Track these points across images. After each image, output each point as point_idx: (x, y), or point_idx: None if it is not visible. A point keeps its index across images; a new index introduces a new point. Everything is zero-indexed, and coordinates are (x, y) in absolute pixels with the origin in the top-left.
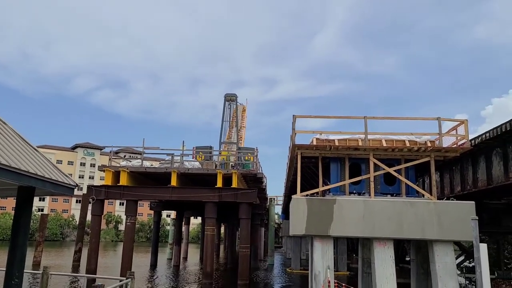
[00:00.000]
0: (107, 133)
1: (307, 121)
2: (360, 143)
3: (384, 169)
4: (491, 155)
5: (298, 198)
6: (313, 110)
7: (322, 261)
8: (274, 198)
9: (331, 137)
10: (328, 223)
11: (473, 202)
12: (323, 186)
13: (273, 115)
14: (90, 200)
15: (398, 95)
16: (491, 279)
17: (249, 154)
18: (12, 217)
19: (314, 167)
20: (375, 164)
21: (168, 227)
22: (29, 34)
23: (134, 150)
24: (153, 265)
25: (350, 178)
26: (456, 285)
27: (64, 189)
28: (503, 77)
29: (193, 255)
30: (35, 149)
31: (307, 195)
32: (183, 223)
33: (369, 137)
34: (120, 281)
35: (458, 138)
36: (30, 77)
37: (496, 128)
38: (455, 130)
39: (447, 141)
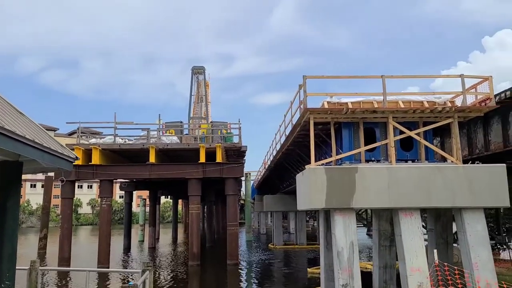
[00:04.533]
0: (59, 114)
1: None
2: (376, 105)
3: (404, 132)
4: (508, 115)
5: (316, 168)
6: (273, 86)
7: (345, 236)
8: (249, 174)
9: (343, 99)
10: (350, 194)
11: (504, 164)
12: (336, 154)
13: (233, 92)
14: (60, 182)
15: (354, 69)
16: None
17: (228, 125)
18: None
19: (317, 135)
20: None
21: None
22: None
23: (93, 130)
24: (127, 249)
25: (364, 144)
26: (489, 254)
27: (63, 163)
28: (451, 50)
29: (163, 236)
30: (28, 118)
31: (322, 164)
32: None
33: (384, 98)
34: (143, 272)
35: (478, 97)
36: None
37: None
38: (474, 89)
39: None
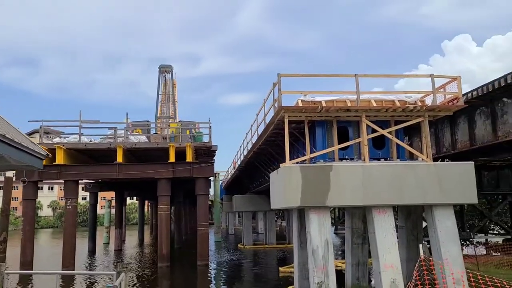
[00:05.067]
0: (17, 113)
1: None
2: (349, 104)
3: (376, 131)
4: (474, 115)
5: (291, 166)
6: (240, 86)
7: (320, 234)
8: (218, 174)
9: (317, 98)
10: (325, 192)
11: (473, 162)
12: (310, 153)
13: (199, 92)
14: (21, 182)
15: (319, 71)
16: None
17: (196, 125)
18: None
19: (291, 134)
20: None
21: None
22: None
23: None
24: (92, 252)
25: (338, 143)
26: (459, 249)
27: (34, 160)
28: (412, 53)
29: (129, 238)
30: None
31: (297, 163)
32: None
33: (356, 97)
34: (119, 274)
35: (447, 97)
36: None
37: (484, 86)
38: (443, 89)
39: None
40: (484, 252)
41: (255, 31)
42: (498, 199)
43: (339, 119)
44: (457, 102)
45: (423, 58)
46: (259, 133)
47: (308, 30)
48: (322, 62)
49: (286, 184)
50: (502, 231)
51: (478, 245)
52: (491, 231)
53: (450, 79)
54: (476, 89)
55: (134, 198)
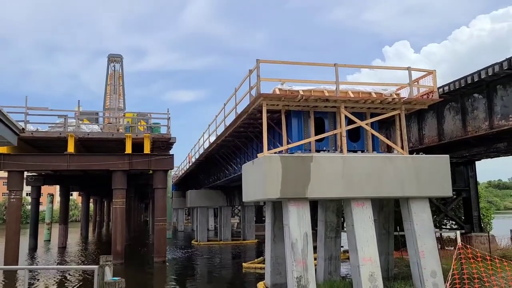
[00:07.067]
0: None
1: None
2: (326, 94)
3: (352, 122)
4: (444, 110)
5: (271, 155)
6: (185, 83)
7: (299, 227)
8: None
9: (295, 87)
10: (305, 183)
11: (448, 156)
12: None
13: (144, 87)
14: None
15: (265, 70)
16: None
17: (149, 116)
18: None
19: (260, 125)
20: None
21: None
22: None
23: None
24: (33, 249)
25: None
26: (434, 242)
27: (7, 133)
28: (355, 57)
29: (71, 235)
30: None
31: (275, 153)
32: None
33: (334, 88)
34: (101, 267)
35: (421, 90)
36: None
37: (455, 81)
38: (417, 82)
39: (406, 94)
40: (438, 246)
41: (202, 28)
42: (453, 195)
43: (316, 109)
44: (432, 95)
45: (365, 63)
46: (227, 124)
47: (255, 30)
48: (268, 64)
49: (265, 174)
50: (455, 226)
51: None
52: (444, 226)
53: (426, 72)
54: (448, 84)
55: (74, 194)
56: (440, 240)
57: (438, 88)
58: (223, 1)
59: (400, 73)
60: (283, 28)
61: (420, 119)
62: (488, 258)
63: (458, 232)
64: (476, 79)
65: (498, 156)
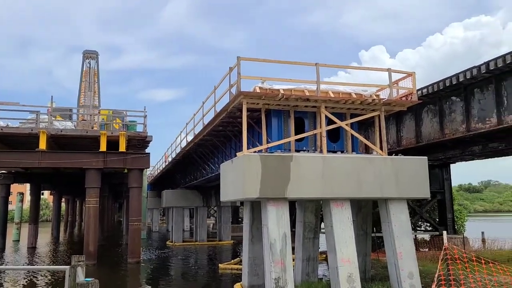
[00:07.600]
0: None
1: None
2: (307, 93)
3: (332, 123)
4: (422, 112)
5: (250, 154)
6: (164, 82)
7: (278, 228)
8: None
9: (276, 86)
10: (284, 183)
11: (426, 157)
12: (264, 143)
13: (120, 85)
14: None
15: (245, 70)
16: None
17: (124, 113)
18: None
19: (239, 124)
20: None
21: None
22: None
23: None
24: (1, 249)
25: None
26: (412, 243)
27: None
28: (332, 60)
29: (42, 235)
30: None
31: (254, 152)
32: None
33: (314, 87)
34: (73, 268)
35: (400, 92)
36: None
37: (434, 84)
38: (396, 84)
39: (387, 95)
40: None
41: (182, 27)
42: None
43: (296, 109)
44: (411, 98)
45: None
46: (205, 123)
47: (235, 30)
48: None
49: (245, 174)
50: (429, 228)
51: None
52: (419, 228)
53: (406, 74)
54: (426, 87)
55: (45, 194)
56: (415, 241)
57: (417, 90)
58: (202, 0)
59: (375, 76)
60: (263, 29)
61: (398, 121)
62: (474, 259)
63: (444, 232)
64: (454, 82)
65: (473, 159)
